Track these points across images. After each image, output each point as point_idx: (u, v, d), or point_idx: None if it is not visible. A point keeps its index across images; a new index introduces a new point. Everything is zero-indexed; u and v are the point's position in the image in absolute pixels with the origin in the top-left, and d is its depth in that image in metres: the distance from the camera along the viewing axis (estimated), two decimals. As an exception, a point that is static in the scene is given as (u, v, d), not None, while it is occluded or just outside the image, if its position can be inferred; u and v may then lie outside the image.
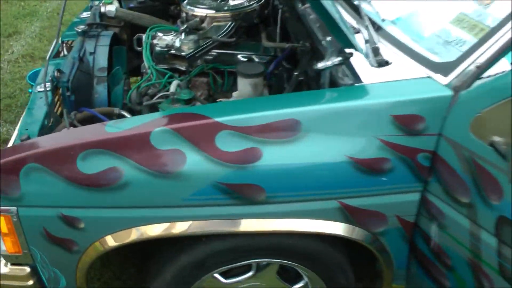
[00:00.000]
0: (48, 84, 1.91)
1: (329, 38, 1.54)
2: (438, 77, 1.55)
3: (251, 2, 2.36)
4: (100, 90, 2.07)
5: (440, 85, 1.53)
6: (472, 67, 1.52)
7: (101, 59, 2.14)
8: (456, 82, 1.52)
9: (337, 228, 1.61)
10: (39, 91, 1.91)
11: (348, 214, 1.59)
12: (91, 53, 2.16)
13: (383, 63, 1.60)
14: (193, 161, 1.48)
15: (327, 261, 1.73)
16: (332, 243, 1.70)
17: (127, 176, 1.48)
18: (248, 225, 1.57)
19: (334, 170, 1.52)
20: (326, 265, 1.74)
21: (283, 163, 1.50)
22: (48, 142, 1.53)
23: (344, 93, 1.55)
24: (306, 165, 1.51)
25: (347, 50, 1.57)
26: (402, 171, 1.56)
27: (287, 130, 1.48)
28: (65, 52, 2.30)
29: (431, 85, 1.54)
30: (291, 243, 1.66)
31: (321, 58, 1.68)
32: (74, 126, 1.80)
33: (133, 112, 2.08)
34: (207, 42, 2.07)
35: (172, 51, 2.06)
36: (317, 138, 1.50)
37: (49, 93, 1.88)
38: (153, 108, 2.08)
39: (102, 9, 2.51)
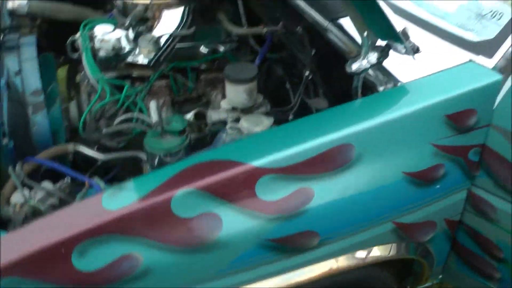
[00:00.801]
0: None
1: (365, 31, 1.22)
2: (481, 59, 1.34)
3: None
4: (39, 120, 1.55)
5: (487, 69, 1.32)
6: (516, 42, 1.33)
7: (32, 78, 1.60)
8: (502, 63, 1.32)
9: (390, 250, 1.39)
10: None
11: (402, 233, 1.36)
12: (16, 73, 1.60)
13: (415, 50, 1.34)
14: (231, 222, 1.12)
15: (376, 284, 1.51)
16: (380, 265, 1.48)
17: (146, 261, 1.09)
18: (297, 276, 1.27)
19: (390, 191, 1.27)
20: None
21: (337, 197, 1.21)
22: (22, 241, 1.06)
23: (390, 99, 1.27)
24: (362, 194, 1.24)
25: (378, 43, 1.27)
26: (454, 173, 1.36)
27: (340, 158, 1.18)
28: None
29: (477, 71, 1.32)
30: (340, 279, 1.40)
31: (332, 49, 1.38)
32: (27, 185, 1.32)
33: (90, 143, 1.61)
34: (168, 40, 1.63)
35: (129, 60, 1.59)
36: (371, 159, 1.22)
37: None
38: (116, 135, 1.63)
39: (10, 5, 1.88)
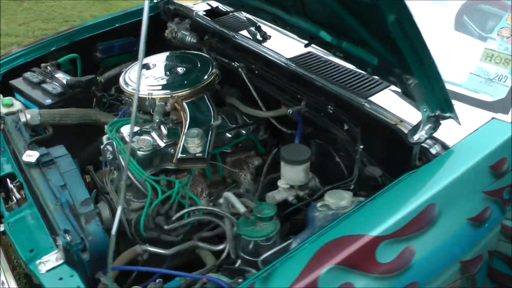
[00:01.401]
0: (56, 255, 1.39)
1: (424, 107, 1.46)
2: (500, 116, 1.65)
3: (210, 70, 2.04)
4: (94, 230, 1.54)
5: (508, 123, 1.63)
6: (521, 99, 1.67)
7: (79, 188, 1.62)
8: (516, 117, 1.65)
9: (456, 285, 1.62)
10: (47, 271, 1.37)
11: (465, 270, 1.60)
12: (62, 187, 1.61)
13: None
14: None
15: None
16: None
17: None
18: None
19: (460, 236, 1.52)
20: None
21: (429, 250, 1.43)
22: None
23: (449, 161, 1.52)
24: (444, 242, 1.47)
25: (430, 113, 1.51)
26: (495, 212, 1.64)
27: (429, 217, 1.41)
28: (16, 196, 1.65)
29: (502, 126, 1.63)
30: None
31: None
32: None
33: (151, 241, 1.66)
34: (210, 132, 1.75)
35: (182, 155, 1.67)
36: (447, 212, 1.46)
37: (64, 267, 1.38)
38: (174, 230, 1.71)
39: (23, 118, 1.88)
